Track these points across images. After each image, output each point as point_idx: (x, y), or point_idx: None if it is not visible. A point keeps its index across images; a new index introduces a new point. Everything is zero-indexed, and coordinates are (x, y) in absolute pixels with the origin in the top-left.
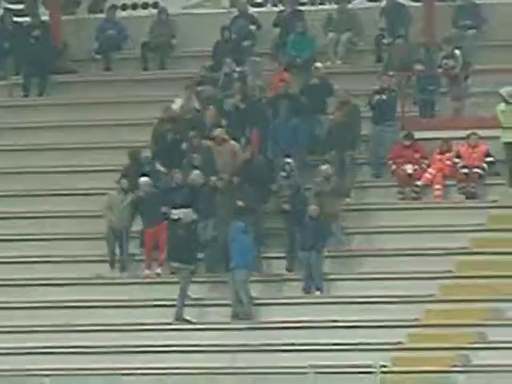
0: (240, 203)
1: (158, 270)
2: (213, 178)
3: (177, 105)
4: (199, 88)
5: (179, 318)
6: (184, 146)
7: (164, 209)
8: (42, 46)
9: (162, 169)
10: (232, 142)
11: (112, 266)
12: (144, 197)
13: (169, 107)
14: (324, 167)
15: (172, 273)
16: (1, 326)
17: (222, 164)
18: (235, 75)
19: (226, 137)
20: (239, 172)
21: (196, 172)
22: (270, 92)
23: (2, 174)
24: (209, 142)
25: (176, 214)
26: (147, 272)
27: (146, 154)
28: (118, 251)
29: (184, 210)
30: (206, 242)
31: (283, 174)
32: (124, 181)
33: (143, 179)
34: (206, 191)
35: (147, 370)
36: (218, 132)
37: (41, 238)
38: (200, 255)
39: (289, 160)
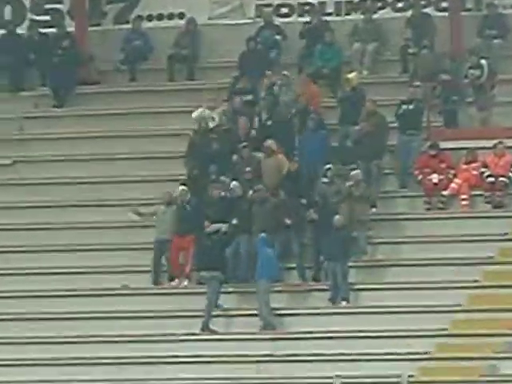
0: (288, 221)
1: (185, 283)
2: (250, 192)
3: (195, 114)
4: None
5: (205, 329)
6: (235, 157)
7: (206, 223)
8: (68, 57)
9: (227, 180)
10: (280, 155)
11: (155, 279)
12: (181, 205)
13: (204, 118)
14: (355, 172)
15: (199, 283)
16: (33, 338)
17: (267, 176)
18: (276, 88)
19: (276, 149)
20: (283, 185)
21: (235, 183)
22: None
23: (31, 185)
24: (259, 154)
25: (212, 228)
26: (174, 282)
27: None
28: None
29: (216, 226)
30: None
31: (325, 179)
32: (168, 193)
33: (181, 188)
34: (244, 204)
35: (174, 381)
36: (268, 143)
37: (76, 248)
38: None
39: (329, 166)
